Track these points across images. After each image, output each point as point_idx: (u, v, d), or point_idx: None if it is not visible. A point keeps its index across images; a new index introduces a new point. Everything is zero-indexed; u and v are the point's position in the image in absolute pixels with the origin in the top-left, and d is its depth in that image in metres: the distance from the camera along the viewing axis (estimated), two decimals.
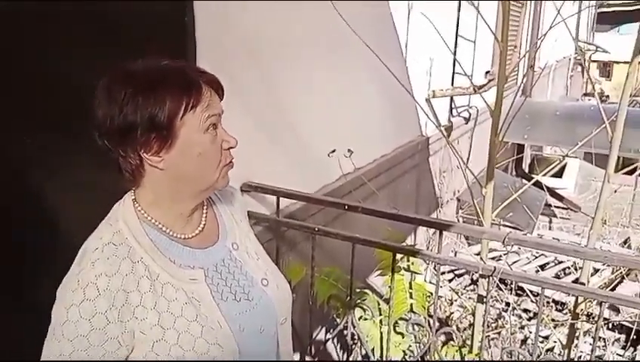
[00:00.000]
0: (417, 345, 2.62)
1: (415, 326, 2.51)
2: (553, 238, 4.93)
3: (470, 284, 4.04)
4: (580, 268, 2.95)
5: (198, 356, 0.90)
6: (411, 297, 2.51)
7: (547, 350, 3.23)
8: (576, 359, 2.91)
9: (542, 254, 4.40)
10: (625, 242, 5.05)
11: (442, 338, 2.70)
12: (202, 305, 0.93)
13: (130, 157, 0.91)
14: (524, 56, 5.19)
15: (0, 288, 1.40)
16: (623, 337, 3.46)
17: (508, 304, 3.53)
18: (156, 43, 1.67)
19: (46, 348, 0.90)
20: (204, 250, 1.00)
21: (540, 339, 3.28)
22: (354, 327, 2.21)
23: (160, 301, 0.90)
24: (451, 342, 2.51)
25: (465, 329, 3.29)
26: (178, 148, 0.90)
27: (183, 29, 1.82)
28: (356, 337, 2.42)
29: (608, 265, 4.01)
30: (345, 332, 2.22)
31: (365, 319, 2.38)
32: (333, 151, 2.69)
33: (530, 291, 3.67)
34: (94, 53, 1.48)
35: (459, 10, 4.61)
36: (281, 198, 2.20)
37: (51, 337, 0.89)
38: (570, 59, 12.45)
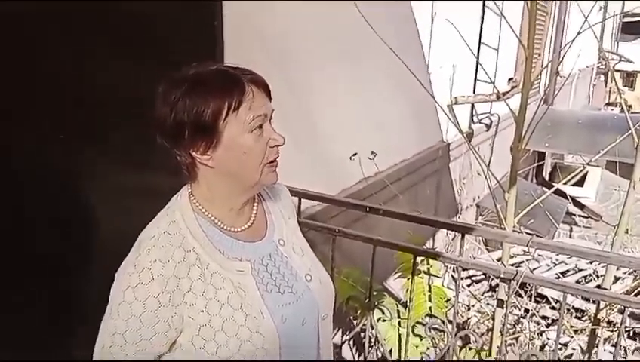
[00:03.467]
0: (435, 348, 2.63)
1: (433, 330, 2.51)
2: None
3: (488, 291, 4.02)
4: (601, 276, 2.93)
5: (240, 342, 0.95)
6: (430, 300, 2.52)
7: (566, 357, 3.20)
8: None
9: (562, 261, 4.36)
10: None
11: (459, 343, 2.70)
12: (247, 295, 0.98)
13: (184, 156, 0.98)
14: (549, 63, 5.16)
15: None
16: None
17: (527, 311, 3.51)
18: (185, 47, 1.71)
19: (103, 325, 0.97)
20: (253, 243, 1.05)
21: (559, 346, 3.25)
22: (372, 328, 2.22)
23: (208, 288, 0.96)
24: (469, 346, 2.51)
25: (482, 334, 3.28)
26: (224, 148, 0.96)
27: (212, 33, 1.86)
28: (373, 339, 2.44)
29: (630, 273, 3.96)
30: (362, 334, 2.24)
31: (384, 320, 2.39)
32: (355, 154, 2.72)
33: (551, 298, 3.64)
34: (124, 58, 1.53)
35: (482, 16, 4.61)
36: (302, 200, 2.22)
37: (108, 316, 0.96)
38: (593, 68, 12.33)
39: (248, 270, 1.01)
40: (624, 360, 3.14)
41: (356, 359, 2.91)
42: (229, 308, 0.96)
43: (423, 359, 2.47)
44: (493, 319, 2.48)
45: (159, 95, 0.96)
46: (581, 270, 4.24)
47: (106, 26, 1.51)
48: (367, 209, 2.13)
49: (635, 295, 3.51)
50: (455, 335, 2.04)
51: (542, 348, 3.26)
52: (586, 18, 2.32)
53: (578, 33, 2.31)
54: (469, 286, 4.08)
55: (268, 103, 1.01)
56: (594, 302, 3.03)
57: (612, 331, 3.15)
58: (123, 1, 1.54)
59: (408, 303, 2.23)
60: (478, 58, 4.15)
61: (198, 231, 0.99)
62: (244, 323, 0.96)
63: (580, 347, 3.14)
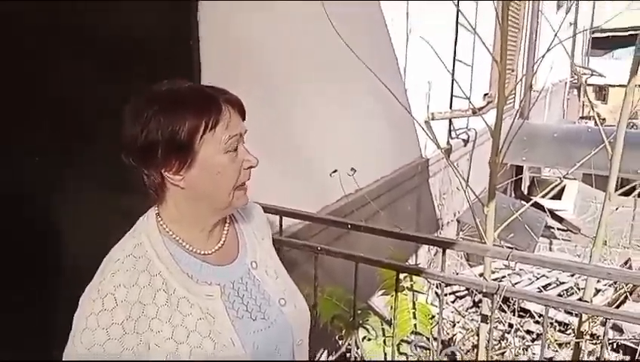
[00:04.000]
0: None
1: (418, 348, 2.49)
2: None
3: (472, 306, 4.01)
4: (582, 288, 2.94)
5: None
6: (414, 317, 2.50)
7: None
8: None
9: (543, 275, 4.39)
10: (626, 263, 5.04)
11: (445, 359, 2.68)
12: (216, 321, 0.94)
13: (153, 176, 0.94)
14: (523, 77, 5.25)
15: (9, 288, 1.40)
16: (627, 359, 3.42)
17: (511, 325, 3.50)
18: (161, 58, 1.70)
19: (65, 353, 0.92)
20: (223, 266, 1.01)
21: (544, 360, 3.25)
22: (357, 348, 2.19)
23: (175, 315, 0.92)
24: None
25: (468, 351, 3.26)
26: (198, 168, 0.92)
27: (188, 52, 1.85)
28: (359, 359, 2.40)
29: (610, 285, 3.99)
30: (347, 354, 2.21)
31: (369, 339, 2.36)
32: (335, 171, 2.71)
33: (534, 312, 3.65)
34: (98, 75, 1.51)
35: (456, 33, 4.68)
36: (283, 218, 2.20)
37: (71, 343, 0.92)
38: (566, 82, 12.61)
39: (218, 294, 0.96)
40: None
41: None
42: (197, 335, 0.92)
43: None
44: (477, 335, 2.46)
45: (128, 113, 0.92)
46: (562, 283, 4.27)
47: (81, 44, 1.49)
48: (349, 226, 2.12)
49: (617, 307, 3.54)
50: (440, 352, 2.02)
51: None
52: (556, 33, 2.36)
53: (548, 49, 2.35)
54: (453, 302, 4.07)
55: (242, 123, 0.98)
56: (576, 315, 3.04)
57: (595, 344, 3.16)
58: (96, 17, 1.52)
59: (393, 321, 2.20)
60: (453, 74, 4.20)
61: (164, 254, 0.95)
62: (213, 351, 0.92)
63: (565, 361, 3.14)
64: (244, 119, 0.99)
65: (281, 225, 2.20)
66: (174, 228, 0.98)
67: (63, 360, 0.92)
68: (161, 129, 0.89)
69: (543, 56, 2.51)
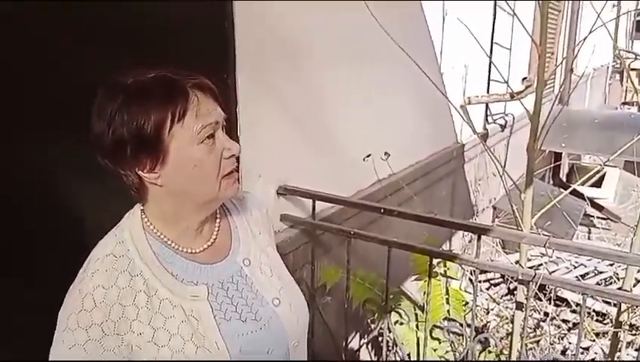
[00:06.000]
0: (454, 352, 2.59)
1: (451, 333, 2.48)
2: None
3: (507, 294, 3.96)
4: (622, 278, 2.87)
5: None
6: (447, 303, 2.49)
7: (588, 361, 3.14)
8: None
9: (581, 264, 4.29)
10: None
11: (478, 347, 2.66)
12: (201, 323, 0.89)
13: (130, 176, 0.88)
14: (563, 61, 5.10)
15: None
16: None
17: (546, 314, 3.45)
18: (196, 47, 1.70)
19: (51, 351, 0.91)
20: (212, 265, 0.96)
21: (580, 351, 3.19)
22: (389, 331, 2.19)
23: (156, 317, 0.88)
24: (488, 349, 2.47)
25: (502, 338, 3.23)
26: (172, 163, 0.86)
27: (223, 34, 1.85)
28: (391, 343, 2.41)
29: None
30: (380, 338, 2.21)
31: (401, 323, 2.36)
32: (369, 155, 2.70)
33: (571, 301, 3.58)
34: (134, 59, 1.52)
35: (494, 16, 4.57)
36: (317, 202, 2.21)
37: (54, 342, 0.91)
38: (608, 67, 12.19)
39: (204, 295, 0.91)
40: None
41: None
42: (178, 338, 0.87)
43: None
44: (512, 322, 2.44)
45: (94, 109, 0.85)
46: (601, 272, 4.17)
47: (115, 29, 1.50)
48: (382, 210, 2.11)
49: None
50: (474, 338, 2.01)
51: (563, 352, 3.21)
52: (599, 15, 2.27)
53: (590, 31, 2.27)
54: (487, 289, 4.03)
55: (217, 109, 0.90)
56: (615, 304, 2.97)
57: (635, 334, 3.09)
58: (133, 2, 1.52)
59: (425, 306, 2.20)
60: (490, 58, 4.11)
61: (147, 253, 0.90)
62: (195, 355, 0.87)
63: (602, 351, 3.08)
64: (220, 105, 0.91)
65: (314, 209, 2.21)
66: (159, 225, 0.93)
67: (50, 357, 0.91)
68: (126, 125, 0.83)
69: (584, 39, 2.42)
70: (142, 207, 0.95)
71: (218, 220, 1.01)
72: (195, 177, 0.88)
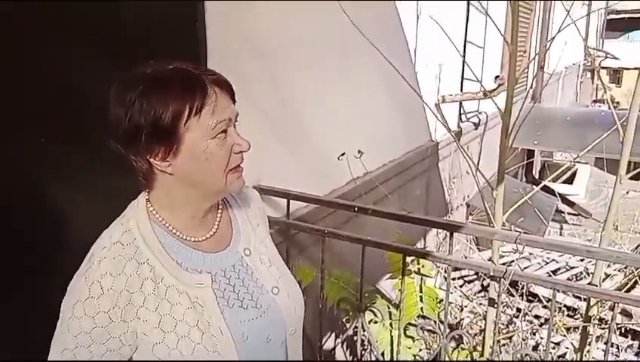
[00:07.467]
0: (428, 350, 2.61)
1: (425, 331, 2.49)
2: None
3: (481, 291, 4.01)
4: (592, 273, 2.92)
5: None
6: (421, 301, 2.50)
7: (559, 356, 3.20)
8: None
9: (553, 260, 4.37)
10: (637, 248, 5.00)
11: (452, 344, 2.69)
12: (205, 310, 0.92)
13: (140, 162, 0.90)
14: (534, 58, 5.18)
15: (8, 288, 1.40)
16: (636, 343, 3.42)
17: (519, 310, 3.50)
18: (167, 46, 1.68)
19: (54, 340, 0.92)
20: (215, 254, 0.99)
21: (552, 346, 3.25)
22: (364, 330, 2.20)
23: (162, 303, 0.90)
24: (461, 346, 2.50)
25: (475, 335, 3.27)
26: (184, 154, 0.89)
27: (194, 32, 1.83)
28: (366, 342, 2.42)
29: (620, 270, 3.97)
30: (355, 337, 2.22)
31: (375, 322, 2.37)
32: (343, 154, 2.70)
33: (542, 296, 3.64)
34: (104, 57, 1.50)
35: (467, 15, 4.62)
36: (291, 201, 2.20)
37: (58, 331, 0.91)
38: (579, 65, 12.43)
39: (208, 283, 0.94)
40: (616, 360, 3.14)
41: (349, 361, 2.89)
42: (184, 324, 0.90)
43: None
44: (485, 319, 2.46)
45: (112, 95, 0.88)
46: (572, 268, 4.25)
47: (86, 26, 1.48)
48: (356, 209, 2.12)
49: (626, 291, 3.52)
50: (447, 336, 2.03)
51: (535, 347, 3.26)
52: (568, 12, 2.32)
53: (559, 30, 2.31)
54: (461, 286, 4.07)
55: (232, 106, 0.93)
56: (585, 299, 3.03)
57: (604, 328, 3.15)
58: (100, 2, 1.50)
59: (400, 304, 2.21)
60: (464, 56, 4.15)
61: (154, 241, 0.93)
62: (201, 341, 0.90)
63: (573, 345, 3.13)
64: (234, 102, 0.95)
65: (288, 208, 2.20)
66: (165, 214, 0.96)
67: (52, 345, 0.92)
68: (144, 113, 0.85)
69: (553, 38, 2.47)
70: (147, 196, 0.97)
71: (220, 211, 1.04)
72: (205, 169, 0.91)
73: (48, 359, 0.93)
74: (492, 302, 2.35)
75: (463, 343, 2.68)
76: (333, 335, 2.74)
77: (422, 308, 2.48)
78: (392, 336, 2.39)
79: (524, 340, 3.22)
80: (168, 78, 0.88)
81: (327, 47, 2.70)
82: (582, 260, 4.26)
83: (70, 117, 1.47)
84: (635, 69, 2.34)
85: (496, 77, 4.89)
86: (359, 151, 2.63)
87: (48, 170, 1.47)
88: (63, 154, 1.48)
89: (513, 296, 3.54)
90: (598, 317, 3.02)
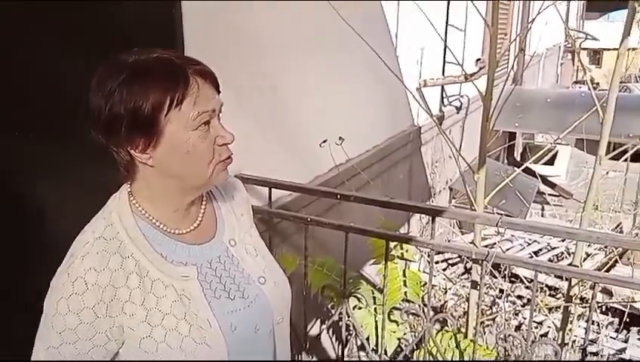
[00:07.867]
0: (413, 333, 2.63)
1: (410, 315, 2.51)
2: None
3: (464, 273, 4.05)
4: (573, 253, 2.97)
5: (185, 355, 0.89)
6: (405, 285, 2.52)
7: (541, 335, 3.25)
8: (570, 343, 2.93)
9: (535, 241, 4.43)
10: (617, 226, 5.09)
11: (437, 326, 2.72)
12: (192, 302, 0.91)
13: (121, 153, 0.89)
14: (515, 39, 5.20)
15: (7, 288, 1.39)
16: (616, 320, 3.49)
17: (502, 291, 3.55)
18: (144, 36, 1.65)
19: (37, 338, 0.90)
20: (200, 246, 0.98)
21: (534, 325, 3.30)
22: (349, 316, 2.21)
23: (148, 297, 0.89)
24: (445, 328, 2.52)
25: (459, 317, 3.31)
26: (165, 146, 0.87)
27: (171, 21, 1.80)
28: (351, 327, 2.43)
29: (601, 249, 4.04)
30: (340, 323, 2.23)
31: (360, 308, 2.38)
32: (325, 141, 2.69)
33: (524, 277, 3.69)
34: (78, 50, 1.47)
35: None
36: (273, 190, 2.19)
37: (42, 328, 0.90)
38: (560, 47, 12.50)
39: (194, 275, 0.93)
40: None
41: (336, 348, 2.91)
42: (172, 318, 0.89)
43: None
44: (468, 301, 2.49)
45: (94, 84, 0.86)
46: (554, 248, 4.31)
47: (64, 23, 1.45)
48: (338, 196, 2.11)
49: (606, 271, 3.58)
50: (431, 319, 2.04)
51: (518, 327, 3.31)
52: None
53: (539, 11, 2.31)
54: (444, 269, 4.11)
55: (216, 97, 0.91)
56: (566, 279, 3.08)
57: (585, 307, 3.21)
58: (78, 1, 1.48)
59: (383, 289, 2.22)
60: (445, 40, 4.15)
61: (137, 234, 0.91)
62: (189, 333, 0.89)
63: (555, 324, 3.19)
64: (218, 92, 0.93)
65: (270, 197, 2.19)
66: (147, 207, 0.94)
67: (36, 344, 0.91)
68: (124, 103, 0.83)
69: (533, 19, 2.47)
70: (129, 189, 0.95)
71: (204, 202, 1.02)
72: (187, 162, 0.89)
73: (32, 358, 0.91)
74: (475, 285, 2.38)
75: (447, 325, 2.71)
76: (319, 321, 2.75)
77: (406, 293, 2.49)
78: (376, 321, 2.40)
79: (507, 321, 3.26)
80: (150, 68, 0.86)
81: (306, 33, 2.68)
82: (563, 241, 4.32)
83: (45, 112, 1.44)
84: (615, 49, 2.36)
85: (478, 60, 4.89)
86: (340, 138, 2.62)
87: (25, 164, 1.45)
88: (40, 150, 1.45)
89: (496, 277, 3.59)
90: (579, 296, 3.07)
